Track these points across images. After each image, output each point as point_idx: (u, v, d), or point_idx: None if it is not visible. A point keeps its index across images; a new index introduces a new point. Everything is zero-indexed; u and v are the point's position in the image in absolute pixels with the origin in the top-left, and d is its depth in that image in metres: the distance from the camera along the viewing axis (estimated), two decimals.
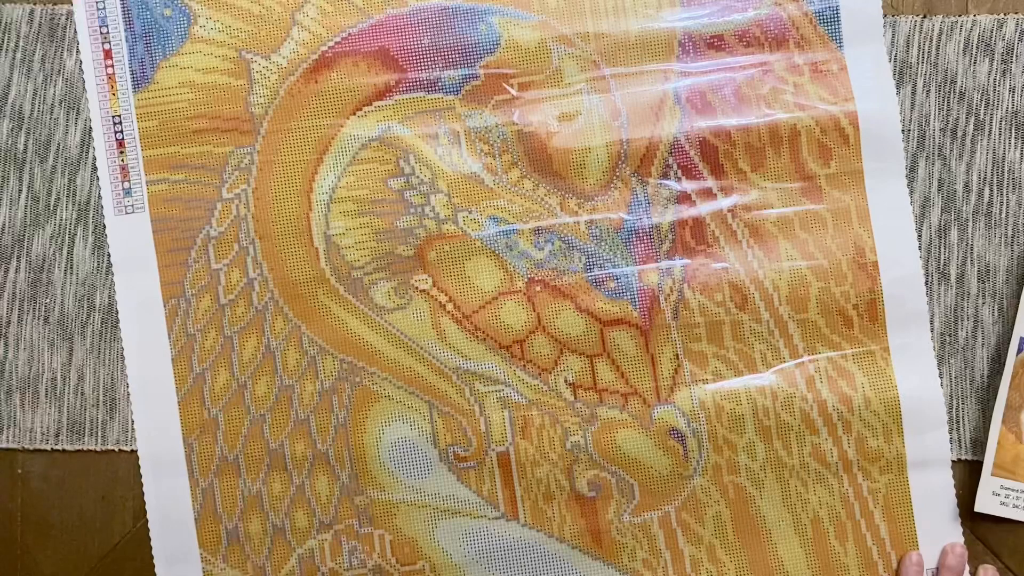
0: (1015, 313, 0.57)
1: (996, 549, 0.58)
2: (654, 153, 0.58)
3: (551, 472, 0.57)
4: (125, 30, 0.58)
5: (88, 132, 0.59)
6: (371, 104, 0.58)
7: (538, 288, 0.58)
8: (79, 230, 0.59)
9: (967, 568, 0.57)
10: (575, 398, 0.58)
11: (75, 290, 0.59)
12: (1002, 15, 0.59)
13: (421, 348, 0.57)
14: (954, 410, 0.58)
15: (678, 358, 0.58)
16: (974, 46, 0.58)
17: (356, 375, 0.58)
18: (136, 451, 0.58)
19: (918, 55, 0.59)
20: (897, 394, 0.57)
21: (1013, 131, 0.58)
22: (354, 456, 0.58)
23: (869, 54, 0.58)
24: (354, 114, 0.58)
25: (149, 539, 0.58)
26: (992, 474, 0.57)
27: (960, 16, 0.59)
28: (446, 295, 0.58)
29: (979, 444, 0.58)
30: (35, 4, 0.59)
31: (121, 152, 0.58)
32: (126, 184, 0.58)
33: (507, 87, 0.58)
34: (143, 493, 0.58)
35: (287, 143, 0.58)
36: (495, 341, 0.57)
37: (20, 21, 0.59)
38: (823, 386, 0.57)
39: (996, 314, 0.58)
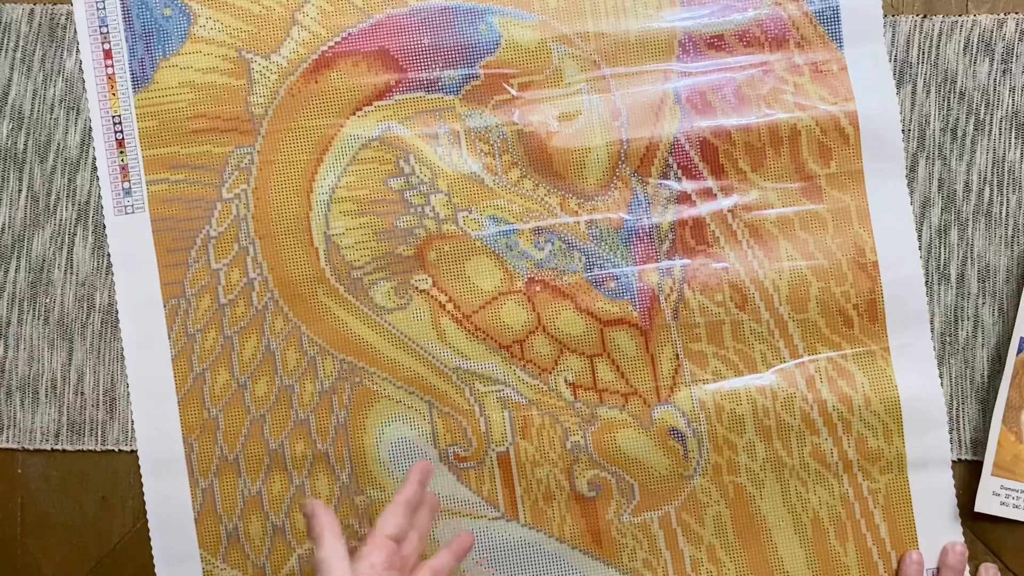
0: (1015, 313, 0.57)
1: (996, 549, 0.58)
2: (654, 153, 0.58)
3: (551, 472, 0.57)
4: (125, 30, 0.58)
5: (88, 132, 0.59)
6: (371, 104, 0.58)
7: (538, 288, 0.57)
8: (79, 230, 0.59)
9: (967, 567, 0.57)
10: (575, 398, 0.58)
11: (75, 290, 0.59)
12: (1002, 15, 0.58)
13: (421, 348, 0.57)
14: (954, 410, 0.58)
15: (678, 358, 0.58)
16: (974, 46, 0.58)
17: (356, 375, 0.58)
18: (136, 451, 0.58)
19: (918, 55, 0.59)
20: (897, 394, 0.57)
21: (1013, 131, 0.58)
22: (354, 456, 0.58)
23: (869, 54, 0.58)
24: (354, 114, 0.58)
25: (149, 539, 0.58)
26: (992, 474, 0.57)
27: (960, 16, 0.59)
28: (446, 295, 0.58)
29: (979, 444, 0.58)
30: (35, 4, 0.59)
31: (121, 152, 0.58)
32: (126, 184, 0.58)
33: (507, 87, 0.58)
34: (143, 493, 0.58)
35: (287, 143, 0.58)
36: (495, 341, 0.57)
37: (20, 21, 0.59)
38: (823, 386, 0.57)
39: (996, 314, 0.58)
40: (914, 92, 0.58)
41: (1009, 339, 0.57)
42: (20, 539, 0.59)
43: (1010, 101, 0.58)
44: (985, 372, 0.58)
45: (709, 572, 0.58)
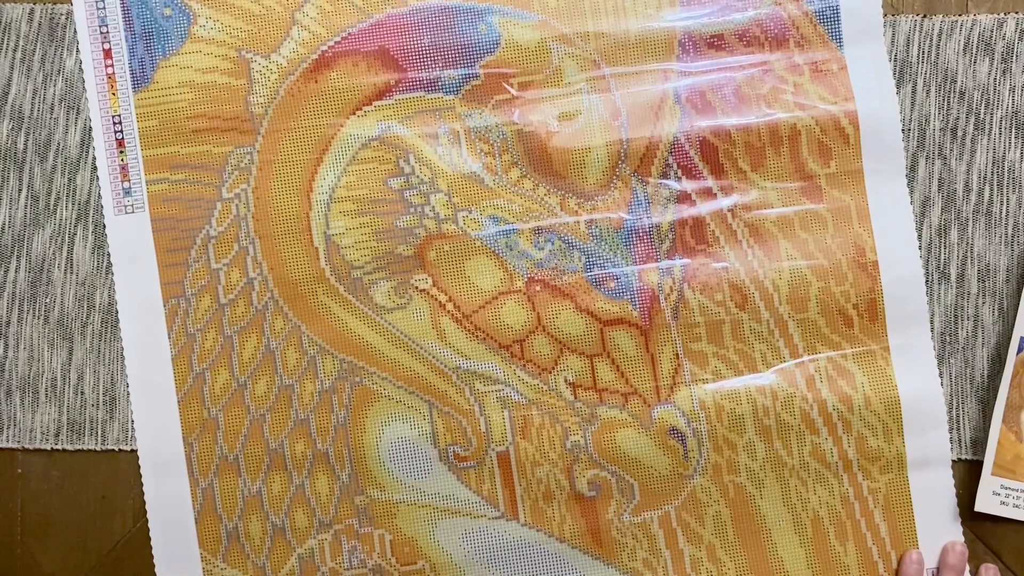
0: (1015, 313, 0.57)
1: (996, 549, 0.58)
2: (654, 153, 0.58)
3: (551, 472, 0.57)
4: (125, 30, 0.58)
5: (88, 132, 0.59)
6: (371, 104, 0.58)
7: (538, 288, 0.57)
8: (79, 230, 0.59)
9: (967, 567, 0.57)
10: (575, 398, 0.58)
11: (75, 290, 0.59)
12: (1002, 15, 0.58)
13: (421, 348, 0.57)
14: (954, 409, 0.58)
15: (678, 358, 0.58)
16: (974, 46, 0.58)
17: (356, 375, 0.58)
18: (136, 451, 0.58)
19: (918, 55, 0.59)
20: (897, 394, 0.57)
21: (1013, 131, 0.58)
22: (354, 456, 0.58)
23: (869, 54, 0.58)
24: (354, 114, 0.58)
25: (149, 539, 0.58)
26: (992, 473, 0.57)
27: (960, 16, 0.59)
28: (446, 295, 0.58)
29: (979, 444, 0.58)
30: (35, 4, 0.59)
31: (121, 152, 0.58)
32: (126, 184, 0.58)
33: (507, 87, 0.58)
34: (143, 493, 0.58)
35: (287, 143, 0.58)
36: (495, 341, 0.57)
37: (20, 21, 0.59)
38: (823, 386, 0.57)
39: (996, 314, 0.58)
40: (914, 92, 0.58)
41: (1009, 339, 0.57)
42: (20, 539, 0.59)
43: (1010, 101, 0.58)
44: (985, 372, 0.58)
45: (709, 572, 0.58)
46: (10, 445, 0.59)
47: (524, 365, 0.58)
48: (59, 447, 0.59)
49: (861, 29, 0.58)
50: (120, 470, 0.59)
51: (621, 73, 0.58)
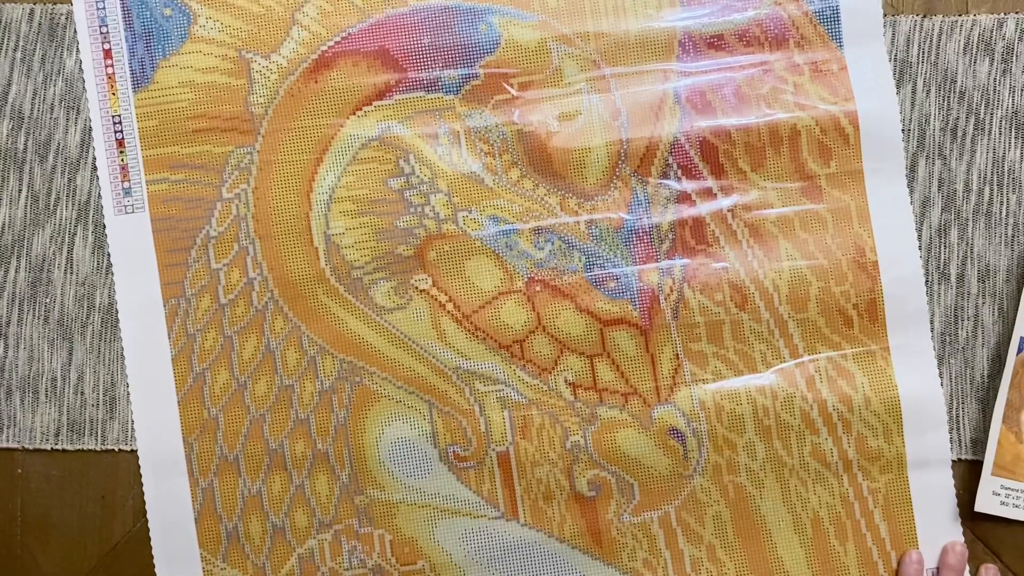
0: (1015, 313, 0.57)
1: (996, 549, 0.58)
2: (654, 153, 0.58)
3: (551, 472, 0.57)
4: (125, 30, 0.58)
5: (88, 132, 0.59)
6: (371, 104, 0.58)
7: (538, 288, 0.58)
8: (79, 230, 0.59)
9: (967, 567, 0.57)
10: (575, 398, 0.58)
11: (75, 290, 0.59)
12: (1002, 15, 0.58)
13: (421, 348, 0.57)
14: (954, 410, 0.58)
15: (678, 358, 0.58)
16: (974, 46, 0.58)
17: (356, 375, 0.58)
18: (136, 451, 0.58)
19: (918, 55, 0.59)
20: (897, 394, 0.57)
21: (1013, 131, 0.58)
22: (354, 456, 0.58)
23: (869, 54, 0.58)
24: (354, 114, 0.58)
25: (149, 539, 0.58)
26: (992, 474, 0.57)
27: (960, 16, 0.59)
28: (446, 295, 0.58)
29: (979, 444, 0.58)
30: (35, 4, 0.59)
31: (121, 152, 0.58)
32: (126, 184, 0.58)
33: (507, 87, 0.58)
34: (143, 493, 0.58)
35: (287, 143, 0.58)
36: (495, 341, 0.57)
37: (20, 21, 0.59)
38: (823, 386, 0.57)
39: (996, 314, 0.58)
40: (914, 92, 0.58)
41: (1009, 339, 0.57)
42: (20, 539, 0.59)
43: (1010, 101, 0.58)
44: (985, 372, 0.58)
45: (709, 572, 0.58)
46: (10, 445, 0.59)
47: (524, 365, 0.58)
48: (59, 447, 0.59)
49: (861, 29, 0.58)
50: (120, 470, 0.59)
51: (621, 73, 0.58)
